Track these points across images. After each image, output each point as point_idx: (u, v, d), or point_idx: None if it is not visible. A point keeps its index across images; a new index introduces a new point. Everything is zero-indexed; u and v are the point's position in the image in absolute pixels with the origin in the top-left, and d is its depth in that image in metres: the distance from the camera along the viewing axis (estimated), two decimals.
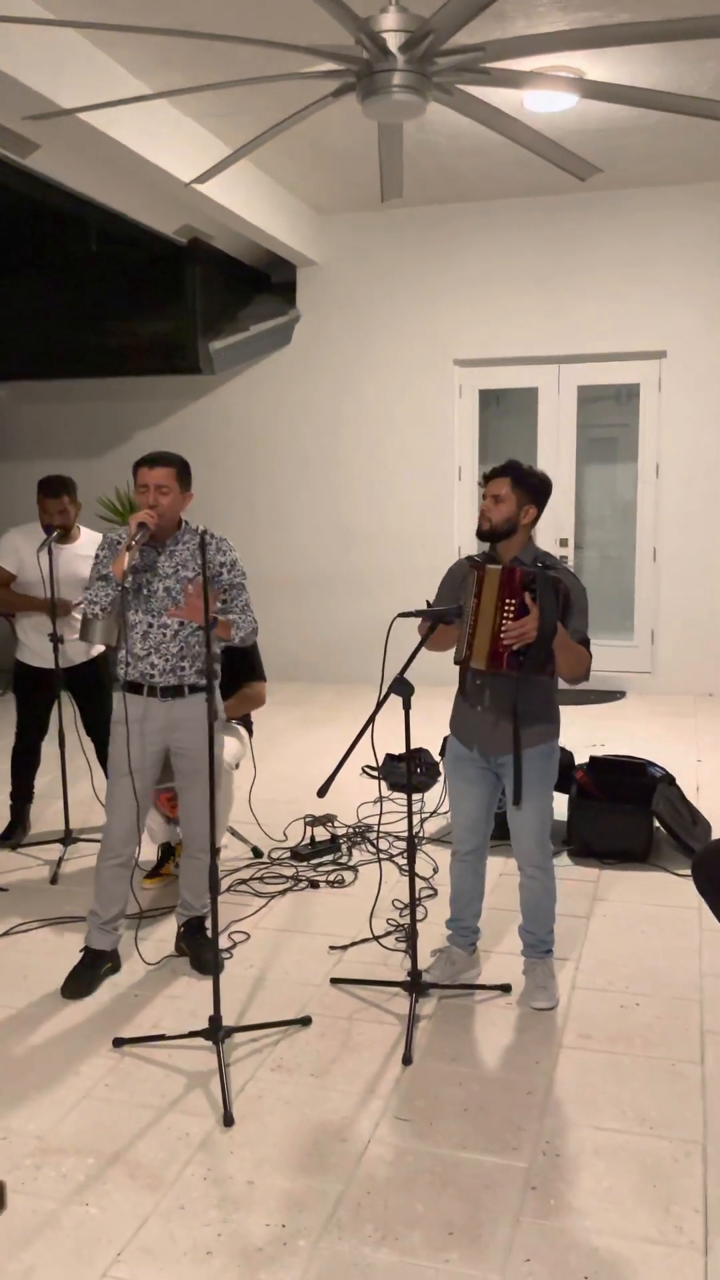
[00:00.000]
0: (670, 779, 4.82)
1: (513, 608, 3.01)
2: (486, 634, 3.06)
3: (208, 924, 3.46)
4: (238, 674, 4.38)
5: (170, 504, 3.39)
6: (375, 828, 4.85)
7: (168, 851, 4.37)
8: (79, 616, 4.14)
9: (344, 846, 4.66)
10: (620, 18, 4.74)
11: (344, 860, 4.55)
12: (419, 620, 3.25)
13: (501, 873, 4.27)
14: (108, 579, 3.38)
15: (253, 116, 5.74)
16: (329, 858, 4.56)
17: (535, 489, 3.23)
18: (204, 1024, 3.04)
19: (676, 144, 6.55)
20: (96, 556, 3.50)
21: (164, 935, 3.81)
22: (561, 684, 3.30)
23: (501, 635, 3.01)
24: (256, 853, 4.60)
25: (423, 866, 4.46)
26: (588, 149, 6.41)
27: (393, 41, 2.72)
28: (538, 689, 3.21)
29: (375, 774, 5.49)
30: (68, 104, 4.66)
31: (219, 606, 3.41)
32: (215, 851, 3.05)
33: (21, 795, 4.87)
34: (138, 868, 4.37)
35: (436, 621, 3.22)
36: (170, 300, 7.65)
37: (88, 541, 4.63)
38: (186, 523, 3.53)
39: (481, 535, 3.26)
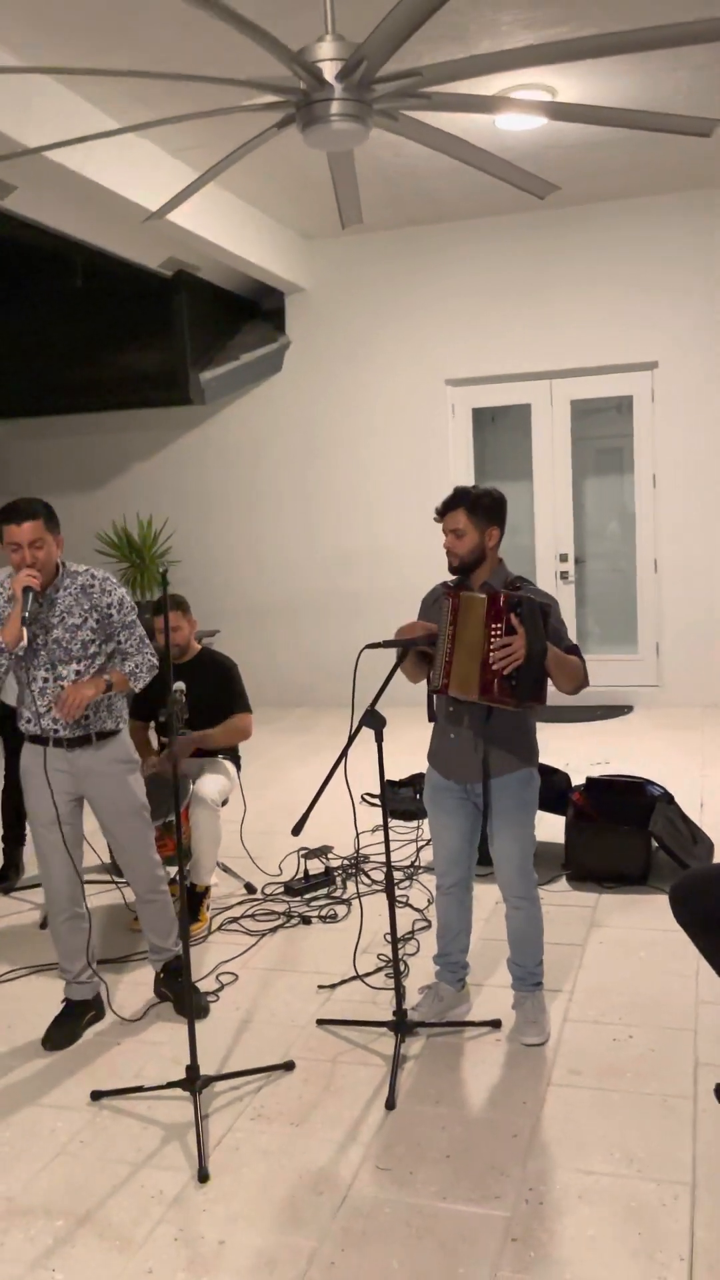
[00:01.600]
0: (669, 797, 4.72)
1: (498, 632, 2.94)
2: (473, 663, 2.98)
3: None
4: (221, 707, 4.33)
5: (47, 557, 3.19)
6: (365, 859, 4.77)
7: None
8: None
9: (338, 879, 4.59)
10: (588, 31, 4.70)
11: (338, 893, 4.48)
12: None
13: (497, 900, 4.18)
14: (0, 650, 3.18)
15: (227, 147, 5.72)
16: (323, 891, 4.49)
17: (490, 509, 3.14)
18: (184, 1072, 2.97)
19: (655, 155, 6.51)
20: None
21: (149, 977, 3.75)
22: (564, 699, 3.22)
23: (490, 660, 2.93)
24: (249, 889, 4.54)
25: (418, 897, 4.39)
26: (566, 163, 6.39)
27: (328, 71, 2.69)
28: (510, 713, 3.13)
29: (375, 801, 5.42)
30: (36, 144, 4.67)
31: (103, 661, 3.32)
32: (193, 893, 2.99)
33: (13, 838, 4.84)
34: (127, 907, 4.34)
35: (406, 650, 3.17)
36: (159, 332, 7.67)
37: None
38: (63, 565, 3.34)
39: (454, 571, 3.20)
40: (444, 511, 3.15)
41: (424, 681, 3.26)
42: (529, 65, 2.82)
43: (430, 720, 3.30)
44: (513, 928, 3.32)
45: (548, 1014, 3.31)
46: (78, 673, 3.29)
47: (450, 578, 3.28)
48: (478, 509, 3.11)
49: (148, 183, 5.69)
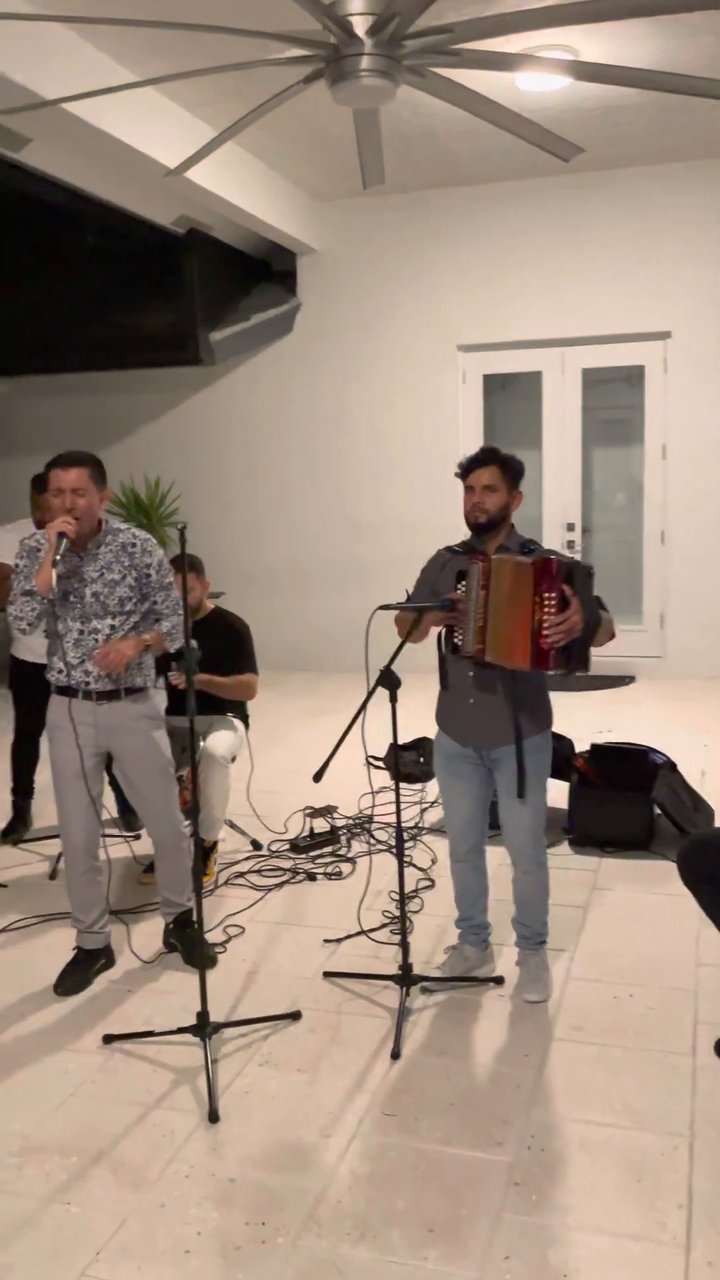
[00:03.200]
0: (672, 765, 4.77)
1: (553, 602, 2.86)
2: (519, 631, 2.91)
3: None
4: (230, 666, 4.35)
5: (88, 506, 3.24)
6: (371, 819, 4.82)
7: None
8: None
9: (343, 838, 4.65)
10: None
11: (343, 852, 4.53)
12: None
13: (501, 864, 4.24)
14: (32, 593, 3.24)
15: (244, 104, 5.65)
16: (328, 850, 4.55)
17: (518, 473, 3.17)
18: (194, 1020, 3.03)
19: (676, 121, 6.45)
20: (16, 566, 3.34)
21: (158, 929, 3.81)
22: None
23: (545, 632, 2.86)
24: (255, 845, 4.60)
25: (421, 857, 4.44)
26: (586, 127, 6.33)
27: (359, 25, 2.68)
28: (533, 677, 3.15)
29: (380, 764, 5.47)
30: (54, 96, 4.63)
31: (138, 619, 3.37)
32: (202, 846, 3.05)
33: (22, 791, 4.89)
34: (135, 860, 4.40)
35: (421, 614, 3.18)
36: (169, 292, 7.63)
37: None
38: (106, 522, 3.38)
39: (479, 528, 3.16)
40: (472, 467, 3.14)
41: (431, 644, 3.25)
42: (559, 24, 2.80)
43: (442, 688, 3.30)
44: (520, 890, 3.35)
45: (550, 972, 3.37)
46: (112, 628, 3.33)
47: (455, 542, 3.29)
48: (509, 468, 3.13)
49: (163, 138, 5.64)
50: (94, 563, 3.33)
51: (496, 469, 3.13)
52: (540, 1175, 2.51)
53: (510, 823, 3.26)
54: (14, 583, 3.33)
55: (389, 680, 3.10)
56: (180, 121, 5.85)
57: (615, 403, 8.05)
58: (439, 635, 3.23)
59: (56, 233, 7.48)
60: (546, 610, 2.87)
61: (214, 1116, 2.73)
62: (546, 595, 2.86)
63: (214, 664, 4.26)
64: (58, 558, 3.14)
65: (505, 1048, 3.05)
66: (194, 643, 4.01)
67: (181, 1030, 3.03)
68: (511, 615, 2.95)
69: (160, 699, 3.56)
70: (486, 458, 3.15)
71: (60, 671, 3.36)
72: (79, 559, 3.30)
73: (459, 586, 3.10)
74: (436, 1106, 2.78)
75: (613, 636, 3.12)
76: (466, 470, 3.16)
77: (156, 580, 3.39)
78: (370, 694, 3.08)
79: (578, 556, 7.80)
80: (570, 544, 7.87)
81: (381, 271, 7.95)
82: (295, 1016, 3.21)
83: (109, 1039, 3.10)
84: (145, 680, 3.46)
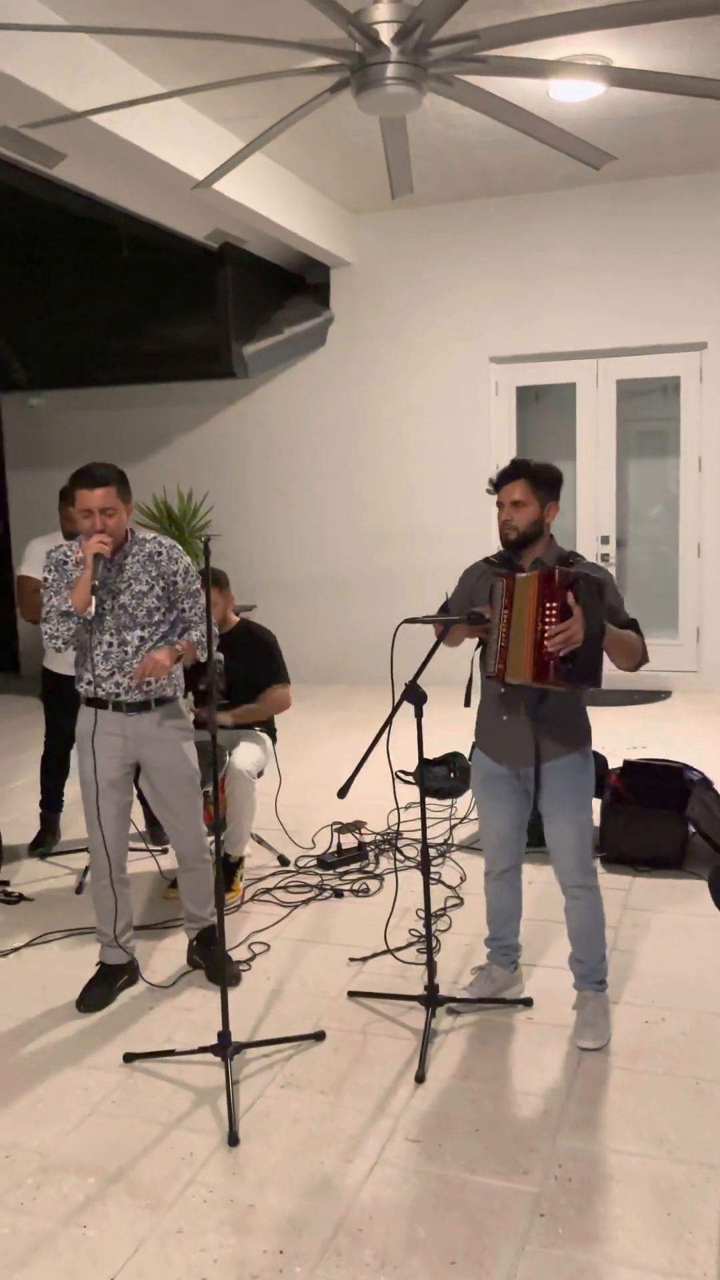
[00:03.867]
0: (708, 782, 4.67)
1: (554, 611, 2.81)
2: (527, 644, 2.86)
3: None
4: (262, 679, 4.34)
5: (117, 524, 3.25)
6: (399, 835, 4.77)
7: None
8: None
9: (371, 854, 4.59)
10: None
11: (370, 869, 4.48)
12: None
13: (530, 881, 4.16)
14: (69, 614, 3.23)
15: (274, 117, 5.68)
16: (355, 866, 4.50)
17: (551, 484, 3.08)
18: (215, 1038, 2.99)
19: (709, 129, 6.37)
20: (44, 579, 3.34)
21: (183, 945, 3.77)
22: (618, 677, 3.11)
23: (546, 642, 2.82)
24: (283, 861, 4.56)
25: (450, 874, 4.38)
26: (619, 136, 6.27)
27: (384, 33, 2.65)
28: (564, 695, 3.07)
29: (409, 779, 5.41)
30: (84, 109, 4.66)
31: (165, 629, 3.36)
32: (226, 864, 3.02)
33: (51, 804, 4.89)
34: (161, 876, 4.38)
35: (448, 627, 3.13)
36: (203, 305, 7.65)
37: None
38: (132, 532, 3.39)
39: (510, 545, 3.09)
40: (501, 483, 3.07)
41: (458, 657, 3.20)
42: (587, 29, 2.76)
43: (465, 705, 3.23)
44: (573, 920, 3.19)
45: (609, 1018, 3.18)
46: (141, 639, 3.33)
47: (492, 554, 3.23)
48: (539, 481, 3.04)
49: (195, 151, 5.66)
50: (121, 574, 3.33)
51: (526, 483, 3.05)
52: (566, 1205, 2.44)
53: (554, 844, 3.16)
54: (44, 597, 3.33)
55: (414, 695, 3.05)
56: (212, 135, 5.87)
57: (651, 414, 7.97)
58: (475, 654, 3.17)
59: (91, 247, 7.55)
60: (548, 620, 2.82)
61: (234, 1139, 2.69)
62: (548, 605, 2.81)
63: (243, 677, 4.24)
64: (96, 581, 3.16)
65: (532, 1071, 2.98)
66: (219, 655, 4.01)
67: (203, 1049, 3.00)
68: (520, 629, 2.89)
69: (185, 712, 3.55)
70: (515, 471, 3.07)
71: (89, 683, 3.35)
72: (106, 570, 3.30)
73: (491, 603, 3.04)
74: (461, 1132, 2.72)
75: (643, 660, 3.02)
76: (496, 485, 3.10)
77: (184, 587, 3.39)
78: (395, 709, 3.03)
79: (612, 569, 7.70)
80: (605, 556, 7.78)
81: (414, 283, 7.93)
82: (319, 1037, 3.16)
83: (129, 1057, 3.07)
84: (175, 691, 3.44)
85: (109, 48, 4.91)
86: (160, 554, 3.36)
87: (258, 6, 4.33)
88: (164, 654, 3.29)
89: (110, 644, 3.32)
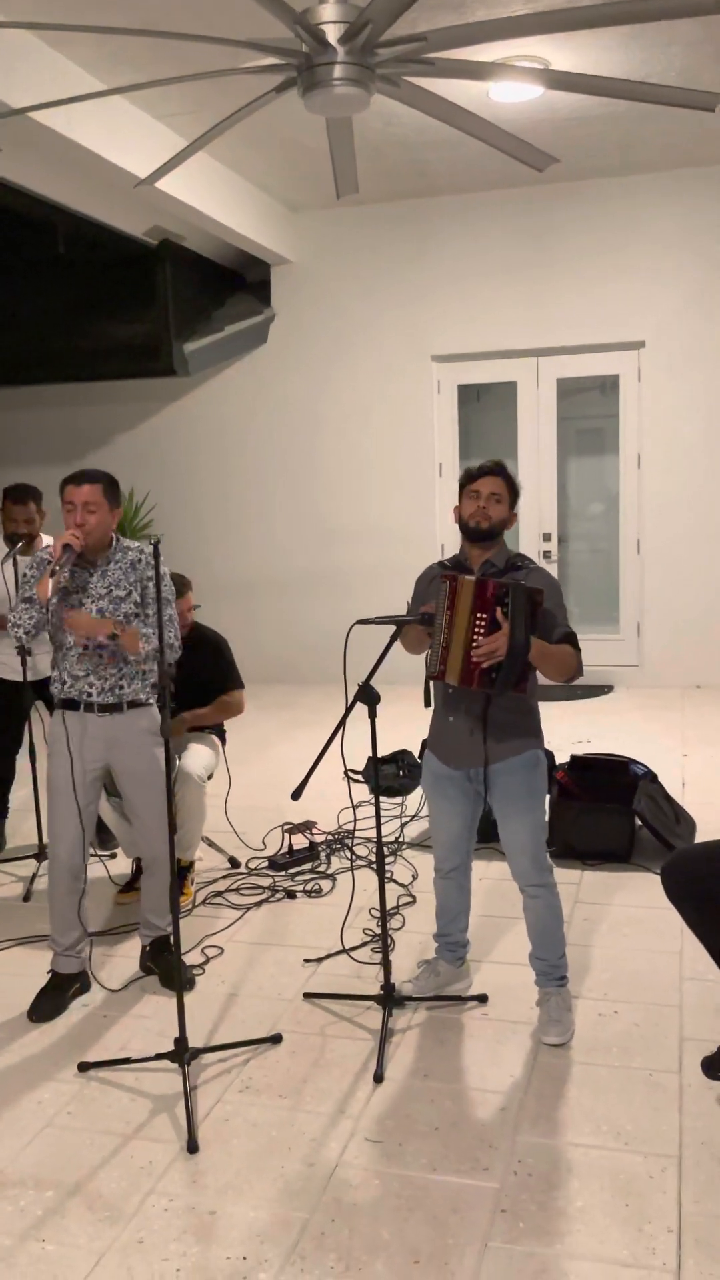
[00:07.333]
0: (653, 776, 4.75)
1: (483, 623, 2.88)
2: (460, 650, 2.94)
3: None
4: (213, 683, 4.30)
5: (98, 522, 3.27)
6: (353, 835, 4.77)
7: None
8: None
9: (323, 854, 4.59)
10: (585, 0, 4.65)
11: (322, 868, 4.48)
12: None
13: (481, 877, 4.20)
14: (32, 600, 3.25)
15: (216, 114, 5.64)
16: (307, 866, 4.49)
17: (517, 494, 3.18)
18: (171, 1045, 2.97)
19: (647, 132, 6.47)
20: (25, 575, 3.38)
21: (136, 952, 3.73)
22: (547, 681, 3.17)
23: (472, 652, 2.90)
24: (234, 863, 4.53)
25: (402, 873, 4.39)
26: (558, 138, 6.33)
27: (331, 33, 2.64)
28: (512, 695, 3.09)
29: (358, 777, 5.42)
30: (21, 105, 4.58)
31: (124, 622, 3.33)
32: (178, 867, 2.99)
33: None
34: (111, 881, 4.33)
35: (399, 628, 3.14)
36: (142, 302, 7.57)
37: None
38: (118, 539, 3.41)
39: (478, 535, 3.11)
40: (481, 474, 3.10)
41: (421, 657, 3.22)
42: (532, 33, 2.78)
43: (426, 705, 3.25)
44: (532, 918, 3.21)
45: (572, 1013, 3.21)
46: (115, 641, 3.32)
47: (437, 553, 3.26)
48: (512, 487, 3.13)
49: (133, 148, 5.60)
50: (102, 580, 3.34)
51: (504, 482, 3.12)
52: (527, 1201, 2.46)
53: (508, 845, 3.19)
54: (20, 589, 3.39)
55: (368, 696, 3.06)
56: (152, 131, 5.81)
57: (590, 412, 8.07)
58: (425, 654, 3.19)
59: (26, 243, 7.42)
60: (477, 630, 2.89)
61: (193, 1146, 2.67)
62: (479, 616, 2.89)
63: (197, 681, 4.20)
64: (58, 568, 3.15)
65: (490, 1068, 3.00)
66: (170, 663, 3.97)
67: (159, 1056, 2.97)
68: (457, 633, 2.95)
69: (158, 716, 3.51)
70: (497, 469, 3.13)
71: (62, 683, 3.34)
72: (88, 575, 3.32)
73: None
74: (421, 1131, 2.72)
75: (575, 674, 3.04)
76: (475, 476, 3.12)
77: (152, 593, 3.36)
78: (348, 710, 3.04)
79: (554, 567, 7.80)
80: (547, 554, 7.86)
81: (355, 282, 7.93)
82: (276, 1040, 3.15)
83: (84, 1067, 3.03)
84: (148, 696, 3.42)
85: (46, 42, 4.83)
86: (140, 561, 3.39)
87: (202, 4, 4.29)
88: (101, 623, 3.25)
89: (86, 646, 3.32)
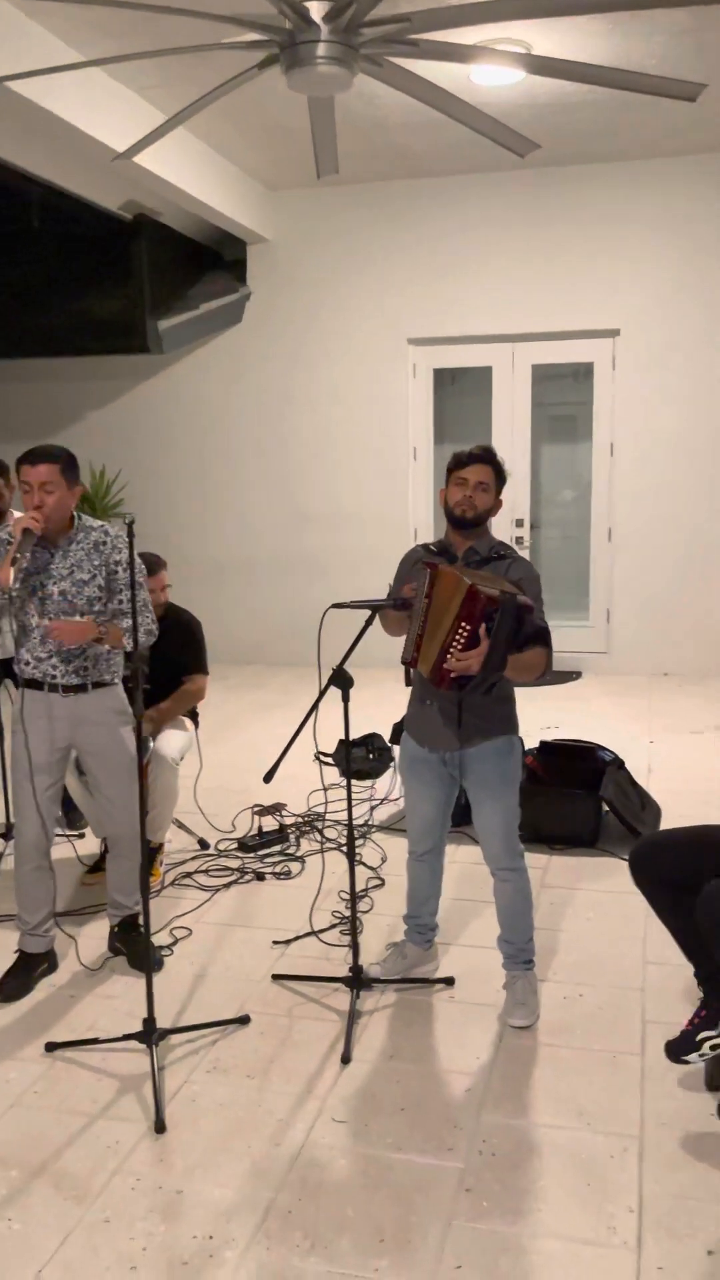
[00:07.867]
0: (620, 763, 4.79)
1: (465, 634, 2.83)
2: (435, 647, 2.91)
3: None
4: (175, 670, 4.26)
5: (57, 502, 3.18)
6: (323, 817, 4.78)
7: None
8: None
9: (292, 836, 4.60)
10: None
11: (292, 851, 4.49)
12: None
13: (452, 861, 4.22)
14: None
15: (195, 89, 5.55)
16: (277, 848, 4.50)
17: (504, 482, 3.14)
18: (139, 1025, 2.97)
19: (627, 120, 6.46)
20: None
21: (103, 932, 3.73)
22: None
23: (447, 658, 2.86)
24: (203, 845, 4.53)
25: (371, 855, 4.41)
26: (537, 124, 6.31)
27: (315, 11, 2.62)
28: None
29: (329, 760, 5.43)
30: None
31: (105, 619, 3.29)
32: (148, 848, 2.99)
33: None
34: (79, 861, 4.32)
35: (374, 613, 3.14)
36: (117, 278, 7.48)
37: None
38: (79, 519, 3.33)
39: (463, 524, 3.10)
40: (469, 462, 3.07)
41: (386, 639, 3.22)
42: (516, 17, 2.78)
43: (407, 685, 3.26)
44: (502, 902, 3.24)
45: (538, 996, 3.25)
46: None
47: (430, 541, 3.25)
48: (499, 475, 3.10)
49: (112, 121, 5.52)
50: (64, 560, 3.27)
51: (492, 470, 3.10)
52: (491, 1180, 2.49)
53: (481, 828, 3.20)
54: None
55: (341, 680, 3.06)
56: (130, 105, 5.73)
57: (564, 399, 8.08)
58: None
59: (0, 216, 7.31)
60: (456, 640, 2.84)
61: (160, 1126, 2.68)
62: (462, 625, 2.82)
63: (167, 662, 4.18)
64: (18, 555, 3.08)
65: (456, 1049, 3.03)
66: (143, 651, 3.95)
67: (127, 1037, 2.97)
68: (435, 629, 2.91)
69: (124, 697, 3.49)
70: (486, 456, 3.10)
71: (27, 664, 3.31)
72: (49, 555, 3.26)
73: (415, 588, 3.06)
74: (387, 1111, 2.75)
75: (544, 672, 3.03)
76: (464, 462, 3.09)
77: (124, 578, 3.32)
78: (322, 694, 3.04)
79: (526, 552, 7.82)
80: (519, 539, 7.89)
81: (333, 262, 7.88)
82: (244, 1021, 3.16)
83: (51, 1047, 3.03)
84: (113, 677, 3.39)
85: (21, 11, 4.75)
86: (105, 543, 3.31)
87: None
88: (84, 628, 3.21)
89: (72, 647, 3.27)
